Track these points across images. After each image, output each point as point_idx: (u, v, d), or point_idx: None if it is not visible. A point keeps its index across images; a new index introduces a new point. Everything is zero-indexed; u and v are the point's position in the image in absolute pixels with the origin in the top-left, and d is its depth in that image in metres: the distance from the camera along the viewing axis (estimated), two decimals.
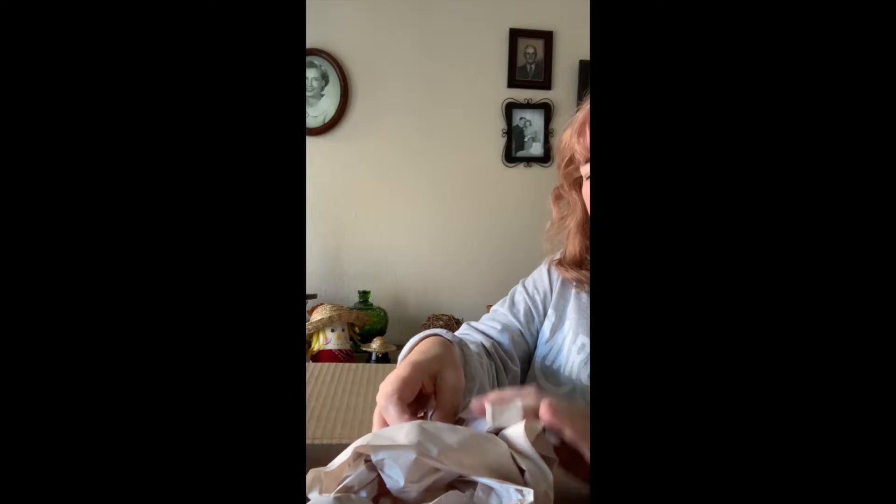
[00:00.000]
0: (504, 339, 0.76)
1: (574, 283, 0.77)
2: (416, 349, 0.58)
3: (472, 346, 0.67)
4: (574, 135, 0.70)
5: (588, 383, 0.71)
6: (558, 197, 0.79)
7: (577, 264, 0.77)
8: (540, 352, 0.77)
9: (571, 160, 0.72)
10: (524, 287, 0.82)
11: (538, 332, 0.79)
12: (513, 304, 0.81)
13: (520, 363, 0.76)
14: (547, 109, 2.24)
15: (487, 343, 0.74)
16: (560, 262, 0.79)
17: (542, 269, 0.83)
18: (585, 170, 0.69)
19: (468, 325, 0.80)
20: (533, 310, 0.79)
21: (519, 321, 0.79)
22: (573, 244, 0.77)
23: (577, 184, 0.74)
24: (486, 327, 0.78)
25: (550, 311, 0.78)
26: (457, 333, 0.76)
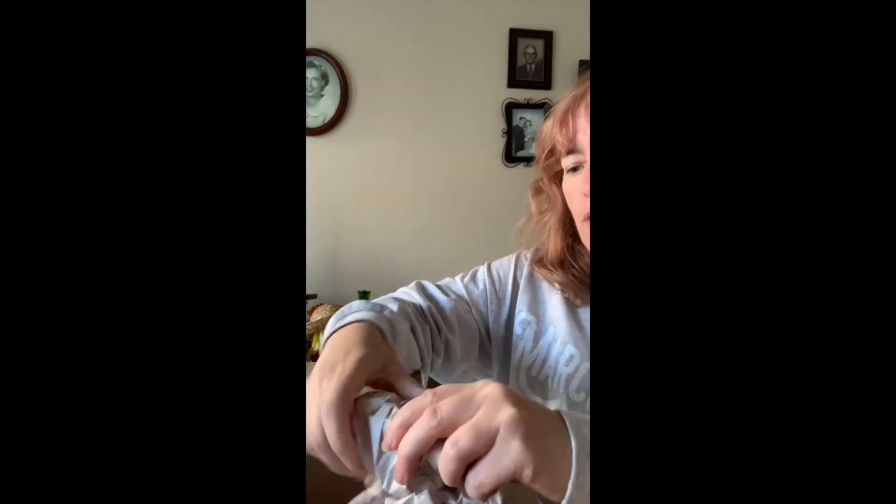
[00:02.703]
0: (447, 306, 0.70)
1: (559, 287, 0.72)
2: (344, 337, 0.51)
3: (401, 322, 0.60)
4: (556, 125, 0.66)
5: (577, 397, 0.67)
6: (538, 191, 0.75)
7: (559, 264, 0.72)
8: (524, 361, 0.72)
9: (552, 152, 0.68)
10: (488, 268, 0.78)
11: (487, 315, 0.74)
12: (473, 280, 0.77)
13: (462, 338, 0.70)
14: (547, 109, 2.24)
15: (425, 305, 0.69)
16: (541, 263, 0.74)
17: (511, 258, 0.79)
18: (566, 161, 0.65)
19: (417, 283, 0.74)
20: (489, 293, 0.75)
21: (472, 299, 0.74)
22: (554, 243, 0.72)
23: (558, 177, 0.69)
24: (435, 291, 0.73)
25: (525, 313, 0.73)
26: (400, 292, 0.71)
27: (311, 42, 2.10)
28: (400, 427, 0.38)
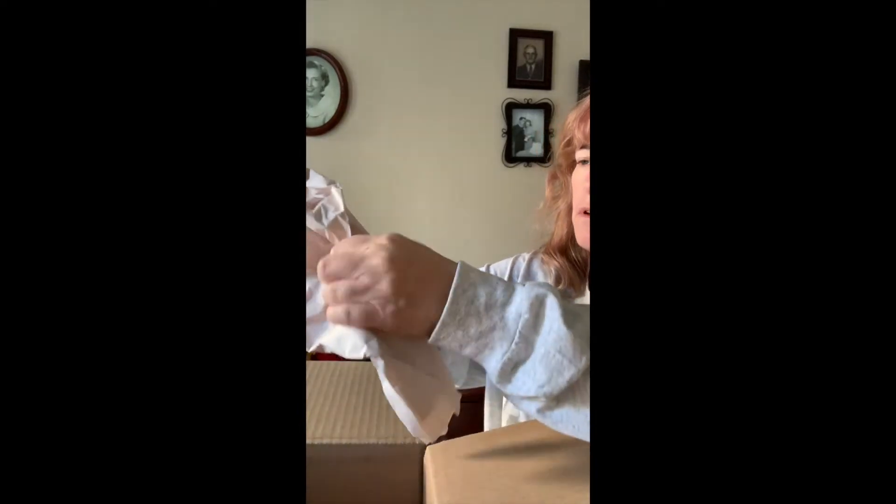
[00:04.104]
0: None
1: (554, 276, 0.77)
2: None
3: None
4: (577, 119, 0.70)
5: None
6: (554, 176, 0.79)
7: (561, 251, 0.77)
8: None
9: (570, 142, 0.73)
10: (486, 269, 0.82)
11: None
12: None
13: None
14: (547, 109, 2.24)
15: None
16: (546, 250, 0.79)
17: (508, 260, 0.84)
18: (580, 154, 0.70)
19: None
20: None
21: None
22: (560, 228, 0.77)
23: (573, 166, 0.74)
24: None
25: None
26: None
27: (311, 42, 2.10)
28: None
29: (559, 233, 0.77)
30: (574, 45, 2.23)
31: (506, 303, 0.42)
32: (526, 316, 0.41)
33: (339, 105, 2.15)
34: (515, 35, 2.19)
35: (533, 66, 2.22)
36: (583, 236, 0.70)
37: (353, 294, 0.42)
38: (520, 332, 0.41)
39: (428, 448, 0.53)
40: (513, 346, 0.41)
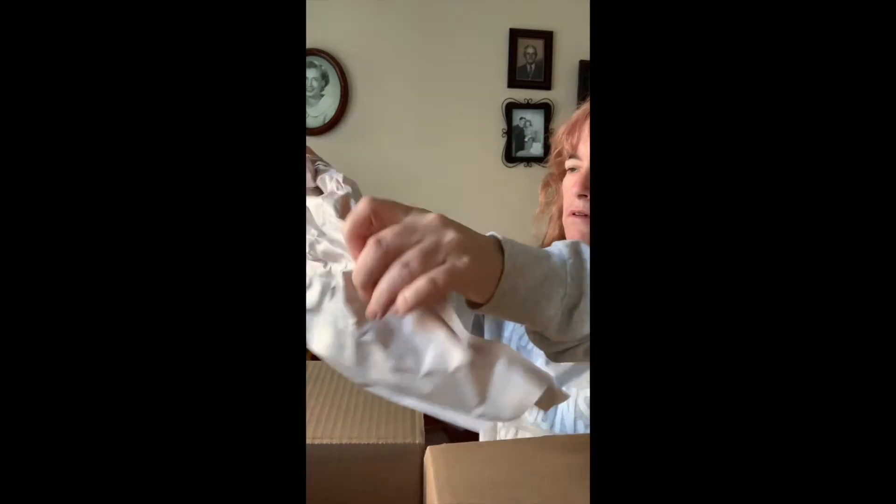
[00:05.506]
0: None
1: None
2: None
3: None
4: (565, 132, 0.78)
5: (554, 374, 0.74)
6: (547, 184, 0.86)
7: None
8: (515, 332, 0.81)
9: (560, 153, 0.80)
10: None
11: None
12: None
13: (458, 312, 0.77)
14: (547, 109, 2.24)
15: None
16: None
17: None
18: (568, 163, 0.78)
19: None
20: None
21: None
22: (553, 230, 0.84)
23: (563, 174, 0.80)
24: None
25: None
26: None
27: (311, 42, 2.10)
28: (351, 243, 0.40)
29: (552, 234, 0.84)
30: (574, 45, 2.23)
31: (548, 253, 0.43)
32: (570, 260, 0.42)
33: (339, 105, 2.15)
34: (515, 35, 2.19)
35: (533, 66, 2.22)
36: (571, 235, 0.76)
37: (428, 255, 0.38)
38: (570, 274, 0.42)
39: (428, 449, 0.53)
40: (567, 288, 0.42)
